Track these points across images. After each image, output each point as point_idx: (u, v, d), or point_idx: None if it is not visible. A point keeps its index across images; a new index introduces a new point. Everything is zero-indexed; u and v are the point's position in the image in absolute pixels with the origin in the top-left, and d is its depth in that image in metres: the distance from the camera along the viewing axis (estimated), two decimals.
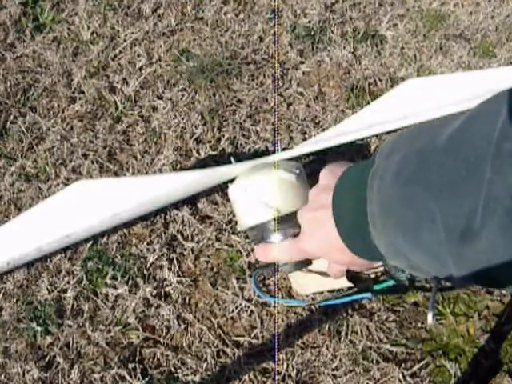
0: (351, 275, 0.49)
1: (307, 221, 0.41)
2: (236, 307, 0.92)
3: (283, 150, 1.01)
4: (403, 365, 0.88)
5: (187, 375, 0.86)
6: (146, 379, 0.86)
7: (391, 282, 0.46)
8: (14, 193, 1.04)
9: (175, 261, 0.96)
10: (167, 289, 0.94)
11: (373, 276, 0.50)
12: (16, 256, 0.91)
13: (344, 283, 0.58)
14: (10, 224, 0.93)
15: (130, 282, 0.94)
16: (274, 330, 0.90)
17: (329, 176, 0.39)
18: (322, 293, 0.90)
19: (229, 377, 0.86)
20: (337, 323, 0.90)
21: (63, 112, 1.16)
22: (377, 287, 0.48)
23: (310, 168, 1.05)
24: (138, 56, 1.23)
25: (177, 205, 0.99)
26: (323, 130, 1.10)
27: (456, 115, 0.28)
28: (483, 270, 0.25)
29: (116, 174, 1.05)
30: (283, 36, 1.27)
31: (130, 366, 0.87)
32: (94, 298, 0.93)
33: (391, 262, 0.33)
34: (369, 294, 0.49)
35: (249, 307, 0.92)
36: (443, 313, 0.92)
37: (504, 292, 0.95)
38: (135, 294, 0.93)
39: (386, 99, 1.05)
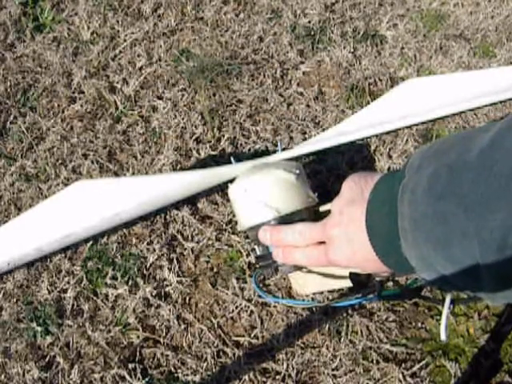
0: (356, 279, 0.49)
1: (336, 235, 0.40)
2: (236, 307, 0.92)
3: (283, 149, 1.01)
4: (403, 365, 0.88)
5: (187, 375, 0.86)
6: (146, 379, 0.86)
7: (398, 291, 0.47)
8: (13, 193, 1.04)
9: (175, 261, 0.96)
10: (167, 289, 0.94)
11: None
12: (16, 256, 0.91)
13: (344, 283, 0.58)
14: (11, 224, 0.93)
15: (130, 282, 0.94)
16: (274, 330, 0.90)
17: (354, 188, 0.39)
18: (322, 293, 0.90)
19: (229, 377, 0.86)
20: (337, 323, 0.90)
21: (63, 112, 1.16)
22: (384, 293, 0.48)
23: (309, 168, 1.05)
24: (138, 56, 1.23)
25: (177, 205, 0.99)
26: (323, 130, 1.10)
27: (483, 127, 0.28)
28: None
29: (116, 174, 1.05)
30: (283, 36, 1.27)
31: (130, 366, 0.87)
32: (94, 297, 0.93)
33: (421, 274, 0.33)
34: (375, 298, 0.50)
35: (249, 307, 0.92)
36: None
37: None
38: (135, 294, 0.93)
39: (385, 99, 1.05)
